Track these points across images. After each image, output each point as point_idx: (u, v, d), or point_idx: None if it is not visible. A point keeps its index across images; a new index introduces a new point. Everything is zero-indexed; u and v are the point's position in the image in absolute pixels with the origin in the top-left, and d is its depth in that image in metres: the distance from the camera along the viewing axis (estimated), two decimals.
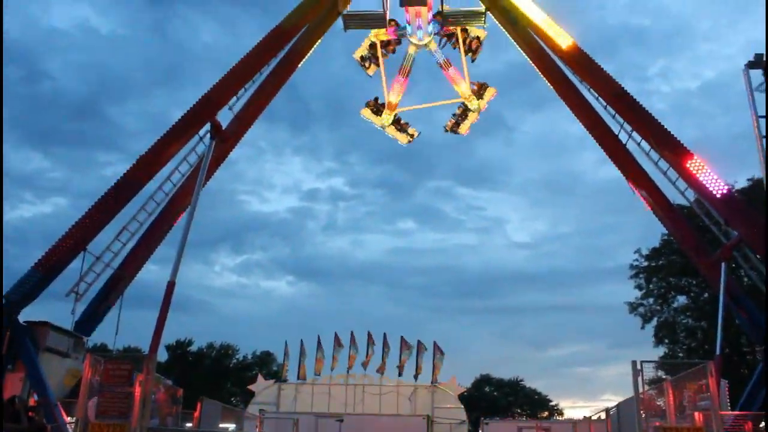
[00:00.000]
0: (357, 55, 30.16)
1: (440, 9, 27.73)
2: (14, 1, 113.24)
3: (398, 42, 29.86)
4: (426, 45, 29.30)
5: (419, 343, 37.92)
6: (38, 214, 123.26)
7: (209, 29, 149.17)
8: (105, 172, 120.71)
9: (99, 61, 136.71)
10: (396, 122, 31.19)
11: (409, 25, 27.88)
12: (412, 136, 31.48)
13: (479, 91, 30.04)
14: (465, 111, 30.60)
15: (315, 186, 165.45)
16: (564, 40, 25.16)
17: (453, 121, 30.90)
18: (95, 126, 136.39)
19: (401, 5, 24.76)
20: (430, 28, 28.26)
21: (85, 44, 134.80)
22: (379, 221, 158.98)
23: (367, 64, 30.27)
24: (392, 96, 30.47)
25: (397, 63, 30.15)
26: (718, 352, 20.52)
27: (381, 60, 29.96)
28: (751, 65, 22.62)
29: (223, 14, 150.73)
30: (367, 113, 31.03)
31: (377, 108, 30.79)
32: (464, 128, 31.05)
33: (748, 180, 42.19)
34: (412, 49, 29.69)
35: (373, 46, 29.81)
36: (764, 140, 21.25)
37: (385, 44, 29.97)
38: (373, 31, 29.45)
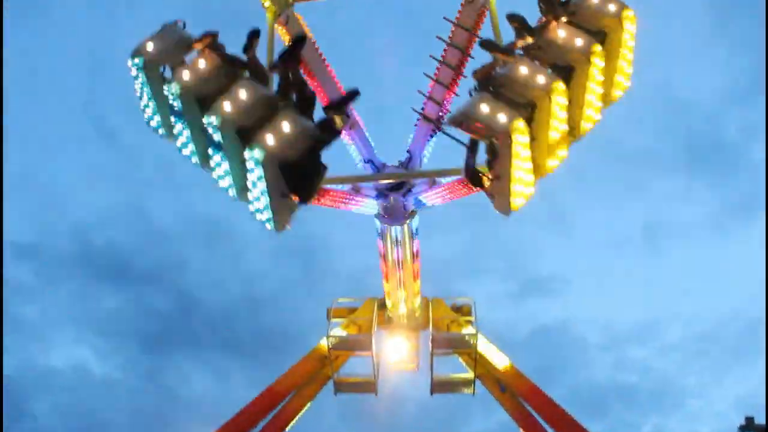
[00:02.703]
0: None
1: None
2: (15, 342, 67.41)
3: None
4: None
5: None
6: None
7: (200, 379, 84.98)
8: None
9: (87, 403, 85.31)
10: None
11: None
12: None
13: None
14: None
15: None
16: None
17: None
18: None
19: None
20: None
21: (76, 386, 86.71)
22: None
23: None
24: None
25: None
26: None
27: None
28: (743, 429, 25.89)
29: (216, 365, 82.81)
30: None
31: None
32: None
33: None
34: None
35: None
36: None
37: None
38: None
